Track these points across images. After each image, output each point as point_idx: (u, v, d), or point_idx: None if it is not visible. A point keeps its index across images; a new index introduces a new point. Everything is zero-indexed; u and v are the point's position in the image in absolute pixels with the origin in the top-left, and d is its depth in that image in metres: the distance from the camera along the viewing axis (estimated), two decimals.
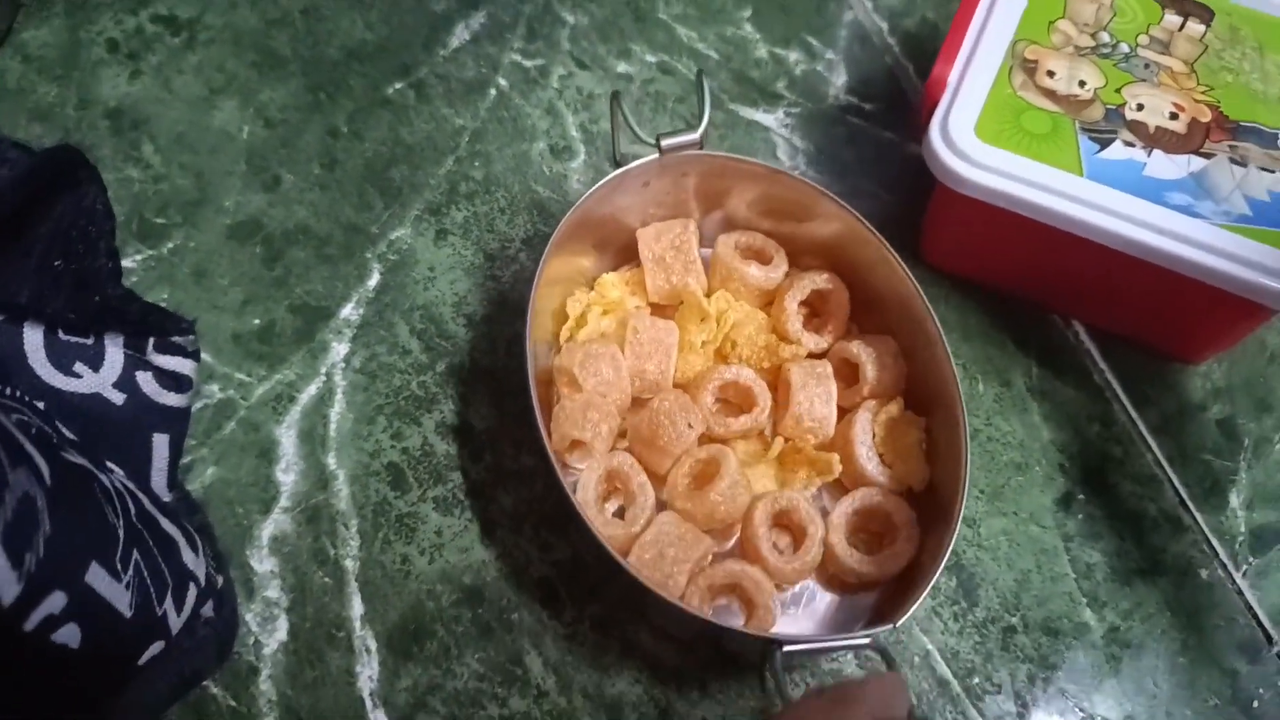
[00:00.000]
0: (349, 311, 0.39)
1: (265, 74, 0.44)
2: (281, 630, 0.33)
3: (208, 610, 0.30)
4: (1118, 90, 0.37)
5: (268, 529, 0.35)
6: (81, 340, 0.29)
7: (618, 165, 0.35)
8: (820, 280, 0.37)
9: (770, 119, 0.45)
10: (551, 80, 0.45)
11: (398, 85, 0.45)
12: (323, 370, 0.38)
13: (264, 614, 0.33)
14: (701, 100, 0.35)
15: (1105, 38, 0.38)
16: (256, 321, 0.38)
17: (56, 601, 0.22)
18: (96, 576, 0.23)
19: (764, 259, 0.38)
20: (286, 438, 0.36)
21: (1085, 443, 0.38)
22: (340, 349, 0.38)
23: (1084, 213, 0.34)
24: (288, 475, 0.36)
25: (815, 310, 0.38)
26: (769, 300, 0.38)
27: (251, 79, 0.44)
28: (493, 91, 0.45)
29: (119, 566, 0.24)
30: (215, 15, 0.46)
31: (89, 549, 0.23)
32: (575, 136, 0.44)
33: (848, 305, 0.37)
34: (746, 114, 0.45)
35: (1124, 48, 0.38)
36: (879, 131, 0.45)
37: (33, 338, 0.28)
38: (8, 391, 0.27)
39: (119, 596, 0.25)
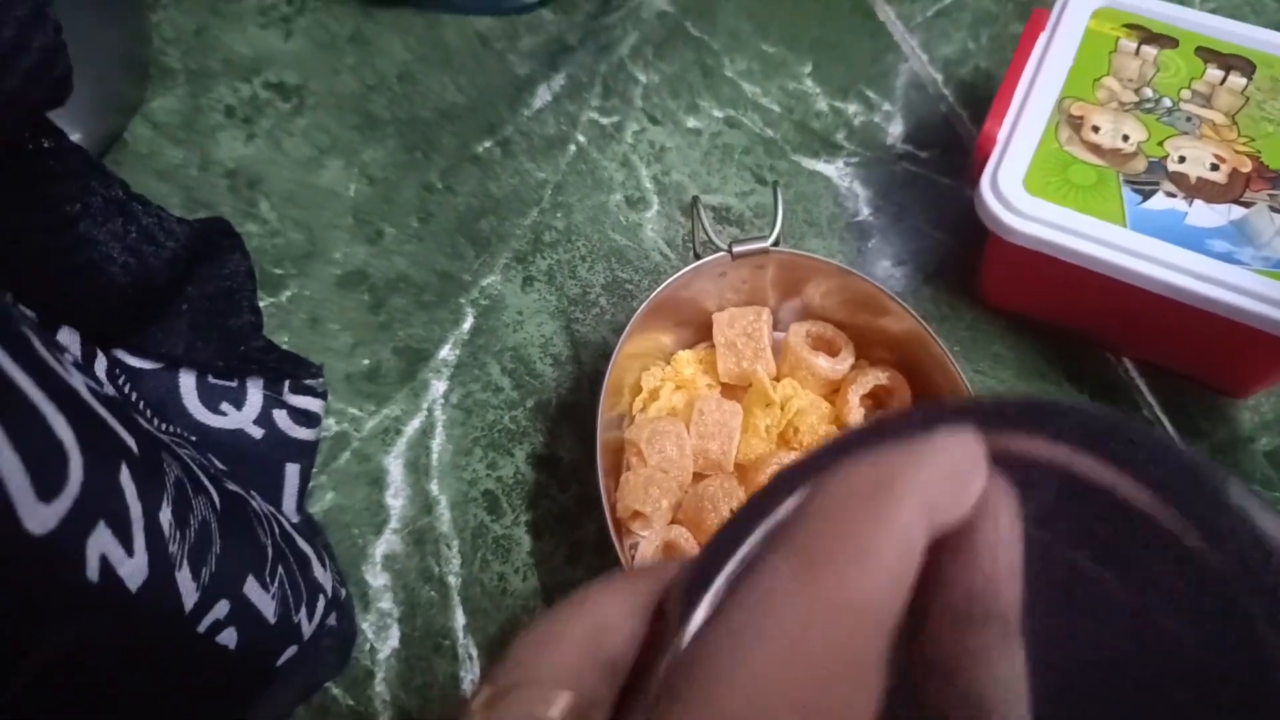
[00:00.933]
0: (446, 353, 0.43)
1: (366, 135, 0.49)
2: (394, 639, 0.37)
3: (332, 620, 0.34)
4: (1160, 143, 0.39)
5: (380, 548, 0.38)
6: (227, 384, 0.33)
7: (698, 258, 0.38)
8: (883, 377, 0.39)
9: (830, 168, 0.48)
10: (626, 135, 0.49)
11: (486, 144, 0.49)
12: (424, 406, 0.42)
13: (378, 624, 0.37)
14: (775, 211, 0.38)
15: (1148, 93, 0.41)
16: (365, 362, 0.43)
17: (222, 609, 0.26)
18: (252, 588, 0.27)
19: (832, 350, 0.40)
20: (394, 467, 0.40)
21: None
22: (439, 387, 0.42)
23: (1128, 261, 0.36)
24: (396, 500, 0.40)
25: (879, 403, 0.40)
26: (834, 389, 0.40)
27: (354, 140, 0.49)
28: (572, 147, 0.48)
29: (268, 579, 0.28)
30: (319, 82, 0.50)
31: (247, 564, 0.27)
32: (649, 188, 0.47)
33: (909, 403, 0.39)
34: (808, 164, 0.48)
35: (1166, 102, 0.40)
36: (936, 177, 0.47)
37: (187, 382, 0.32)
38: (169, 429, 0.31)
39: (266, 605, 0.28)
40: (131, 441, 0.22)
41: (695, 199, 0.39)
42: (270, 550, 0.29)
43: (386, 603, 0.38)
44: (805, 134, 0.49)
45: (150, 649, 0.24)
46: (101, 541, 0.21)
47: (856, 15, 0.52)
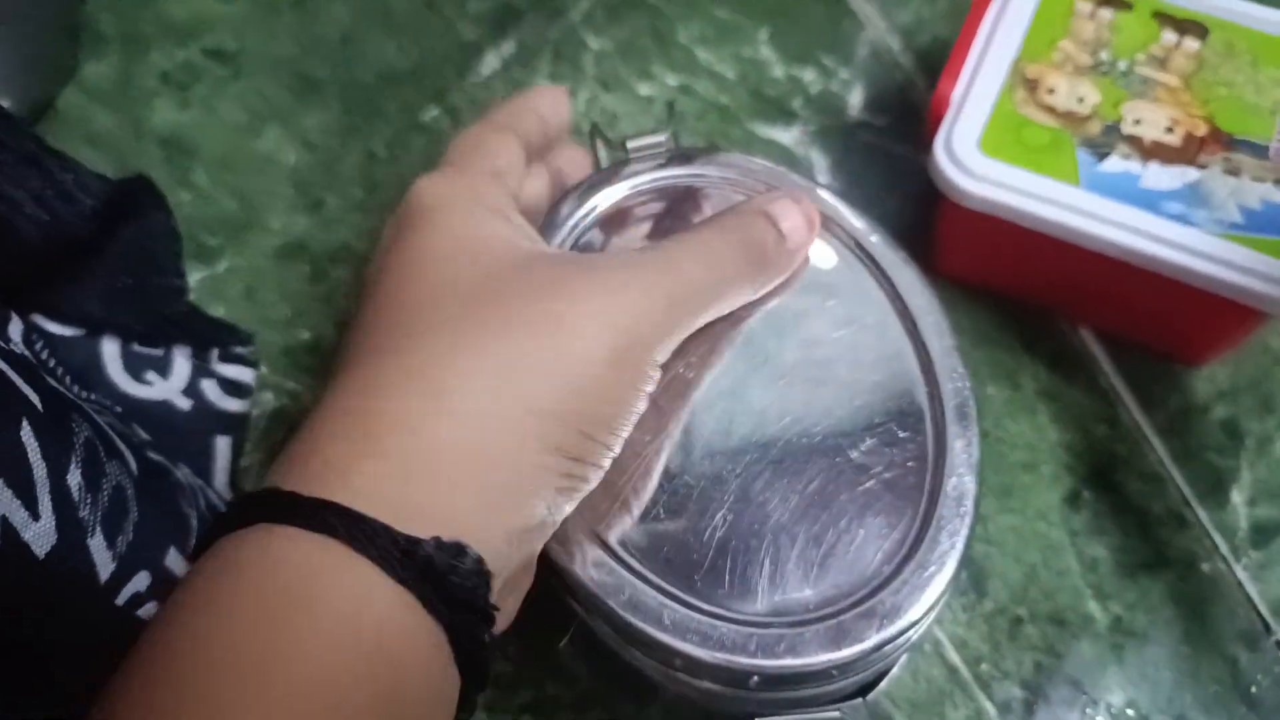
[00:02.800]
0: None
1: (306, 100, 0.47)
2: None
3: None
4: (1115, 106, 0.39)
5: None
6: (152, 351, 0.32)
7: None
8: None
9: (787, 136, 0.47)
10: (578, 103, 0.47)
11: (433, 111, 0.47)
12: None
13: None
14: (669, 120, 0.38)
15: (1104, 56, 0.40)
16: (305, 335, 0.41)
17: (141, 581, 0.25)
18: (174, 560, 0.26)
19: None
20: None
21: (1092, 443, 0.40)
22: None
23: (1083, 222, 0.36)
24: None
25: None
26: None
27: (294, 106, 0.47)
28: None
29: (192, 552, 0.27)
30: (258, 44, 0.48)
31: (168, 535, 0.26)
32: (601, 157, 0.46)
33: None
34: (764, 132, 0.47)
35: (1122, 65, 0.40)
36: (893, 145, 0.47)
37: (110, 349, 0.31)
38: (91, 397, 0.29)
39: None
40: (35, 398, 0.21)
41: (594, 125, 0.37)
42: (195, 522, 0.27)
43: None
44: (761, 101, 0.48)
45: (65, 622, 0.23)
46: (1, 502, 0.19)
47: None
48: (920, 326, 0.33)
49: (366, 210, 0.44)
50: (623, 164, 0.35)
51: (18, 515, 0.20)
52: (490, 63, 0.48)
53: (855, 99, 0.48)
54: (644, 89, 0.48)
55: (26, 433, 0.20)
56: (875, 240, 0.35)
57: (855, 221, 0.35)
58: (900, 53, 0.49)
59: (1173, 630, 0.37)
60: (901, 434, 0.31)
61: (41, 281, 0.28)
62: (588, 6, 0.50)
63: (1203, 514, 0.39)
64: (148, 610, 0.26)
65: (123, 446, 0.25)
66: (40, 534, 0.21)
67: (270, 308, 0.42)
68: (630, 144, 0.36)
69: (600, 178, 0.35)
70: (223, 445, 0.33)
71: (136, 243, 0.30)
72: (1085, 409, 0.40)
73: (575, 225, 0.34)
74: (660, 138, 0.36)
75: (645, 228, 0.35)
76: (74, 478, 0.22)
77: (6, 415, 0.20)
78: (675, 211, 0.35)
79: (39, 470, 0.20)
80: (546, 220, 0.34)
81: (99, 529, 0.22)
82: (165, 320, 0.31)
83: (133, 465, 0.25)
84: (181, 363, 0.32)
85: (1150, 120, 0.38)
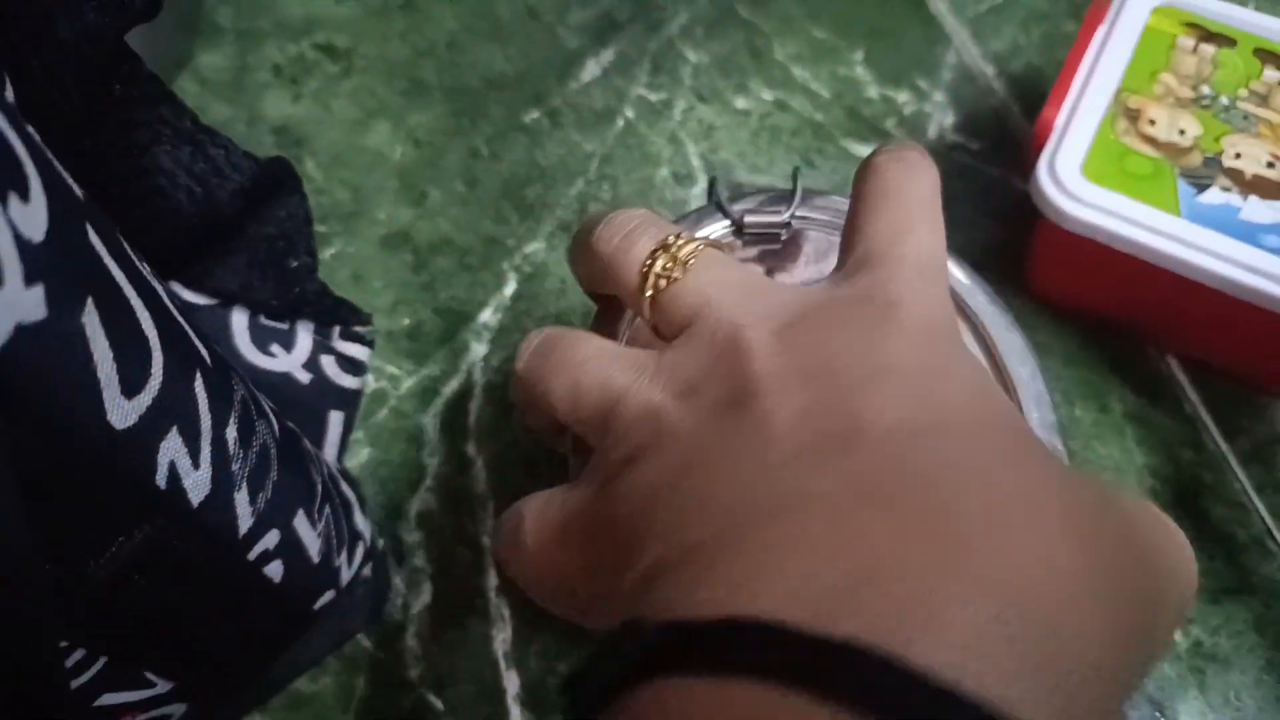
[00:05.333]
0: (488, 316, 0.43)
1: (413, 100, 0.49)
2: (426, 595, 0.37)
3: (367, 571, 0.34)
4: (1216, 139, 0.39)
5: (415, 506, 0.38)
6: (278, 325, 0.33)
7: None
8: None
9: None
10: (674, 113, 0.49)
11: (533, 114, 0.49)
12: (463, 368, 0.42)
13: (411, 580, 0.37)
14: (795, 192, 0.36)
15: (1206, 90, 0.40)
16: (406, 321, 0.43)
17: (272, 539, 0.26)
18: (301, 523, 0.27)
19: None
20: (431, 426, 0.40)
21: (1177, 468, 0.40)
22: (480, 349, 0.42)
23: (1182, 251, 0.36)
24: (432, 459, 0.39)
25: None
26: None
27: (401, 104, 0.49)
28: (620, 121, 0.48)
29: (316, 517, 0.28)
30: (369, 45, 0.50)
31: (300, 498, 0.27)
32: (696, 165, 0.47)
33: None
34: (858, 150, 0.48)
35: (1224, 100, 0.40)
36: (985, 168, 0.47)
37: (239, 321, 0.32)
38: None
39: (313, 543, 0.28)
40: (205, 352, 0.22)
41: (713, 180, 0.37)
42: (320, 488, 0.29)
43: (420, 560, 0.37)
44: (855, 120, 0.49)
45: (204, 570, 0.24)
46: (172, 448, 0.21)
47: (908, 6, 0.52)
48: (1002, 352, 0.34)
49: (466, 204, 0.46)
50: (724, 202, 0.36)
51: (183, 462, 0.21)
52: (591, 70, 0.50)
53: (948, 121, 0.49)
54: (740, 102, 0.49)
55: (199, 385, 0.21)
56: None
57: None
58: (994, 78, 0.50)
59: (1256, 658, 0.36)
60: None
61: (188, 252, 0.30)
62: (686, 20, 0.51)
63: None
64: (273, 569, 0.27)
65: (268, 408, 0.26)
66: (198, 483, 0.22)
67: (374, 294, 0.43)
68: (748, 219, 0.35)
69: (706, 211, 0.36)
70: (336, 420, 0.35)
71: (276, 222, 0.31)
72: (1171, 434, 0.41)
73: None
74: (781, 217, 0.35)
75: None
76: (231, 432, 0.23)
77: (185, 366, 0.21)
78: (776, 254, 0.36)
79: (205, 421, 0.22)
80: None
81: (245, 484, 0.24)
82: (295, 297, 0.32)
83: (275, 427, 0.26)
84: (304, 337, 0.33)
85: (1251, 155, 0.39)
